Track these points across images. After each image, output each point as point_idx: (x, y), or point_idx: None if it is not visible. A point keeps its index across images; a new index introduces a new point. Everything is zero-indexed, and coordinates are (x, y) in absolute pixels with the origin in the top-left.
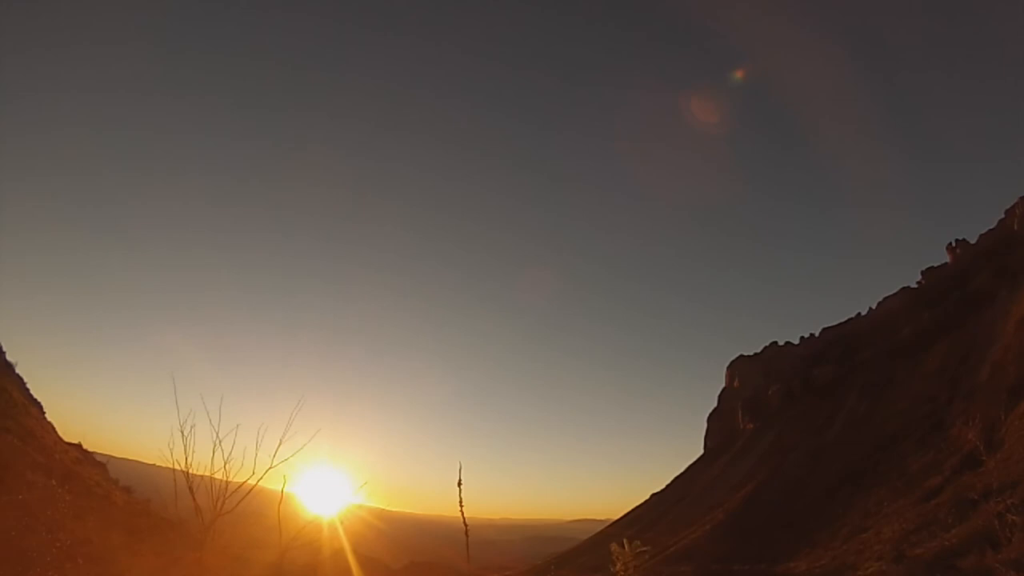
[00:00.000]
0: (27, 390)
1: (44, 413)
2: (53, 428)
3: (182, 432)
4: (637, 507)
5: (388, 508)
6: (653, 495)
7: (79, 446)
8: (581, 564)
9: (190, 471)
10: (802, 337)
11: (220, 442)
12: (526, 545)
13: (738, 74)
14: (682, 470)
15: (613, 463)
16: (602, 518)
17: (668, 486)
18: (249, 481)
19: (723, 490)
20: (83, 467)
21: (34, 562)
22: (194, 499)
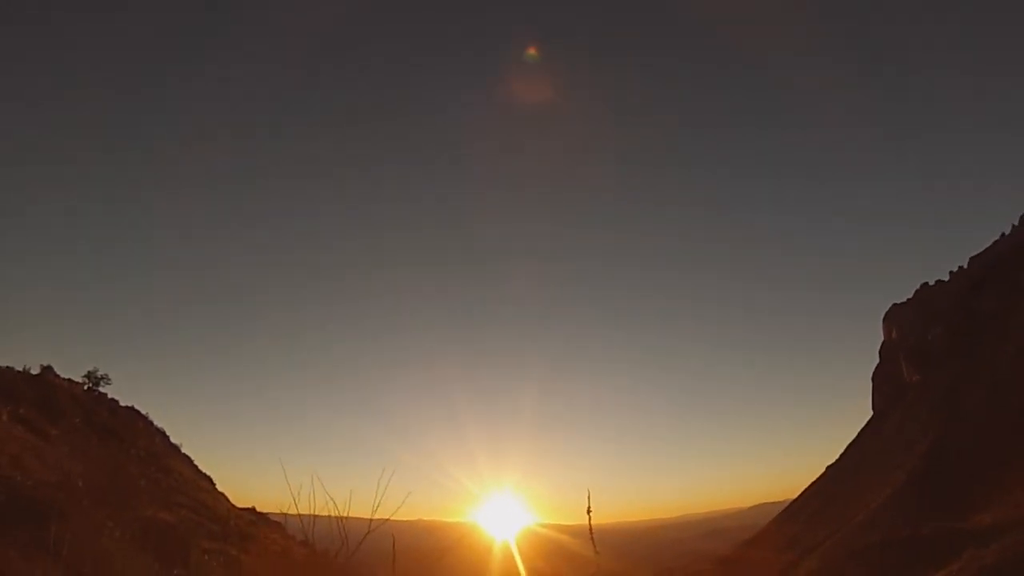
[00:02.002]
0: (195, 467)
1: (215, 485)
2: (226, 497)
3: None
4: (814, 483)
5: (566, 523)
6: (828, 467)
7: (252, 509)
8: (753, 558)
9: (373, 517)
10: (951, 272)
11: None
12: (708, 540)
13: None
14: (854, 436)
15: (782, 441)
16: (781, 499)
17: (842, 455)
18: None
19: (900, 450)
20: (258, 528)
21: None
22: (361, 545)
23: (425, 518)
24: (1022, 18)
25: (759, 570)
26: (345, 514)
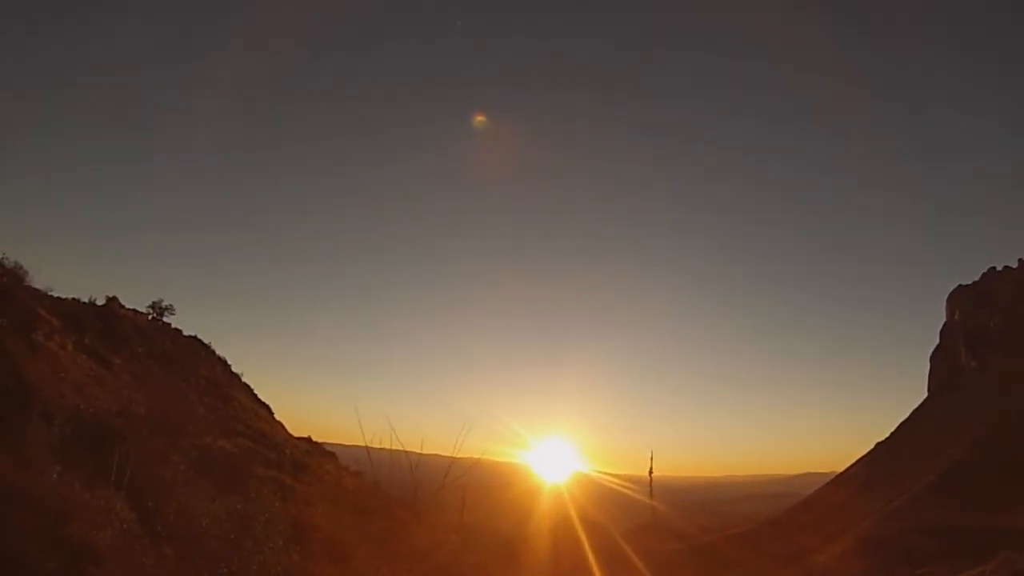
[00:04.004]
0: (255, 395)
1: (273, 414)
2: (283, 426)
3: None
4: (861, 458)
5: (616, 471)
6: (877, 444)
7: (308, 439)
8: (801, 523)
9: (413, 450)
10: (1020, 259)
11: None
12: (751, 502)
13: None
14: (906, 415)
15: (834, 413)
16: (826, 471)
17: (892, 434)
18: (472, 456)
19: (947, 436)
20: (313, 458)
21: (263, 545)
22: (413, 476)
23: (476, 456)
24: None
25: (797, 539)
26: (398, 447)
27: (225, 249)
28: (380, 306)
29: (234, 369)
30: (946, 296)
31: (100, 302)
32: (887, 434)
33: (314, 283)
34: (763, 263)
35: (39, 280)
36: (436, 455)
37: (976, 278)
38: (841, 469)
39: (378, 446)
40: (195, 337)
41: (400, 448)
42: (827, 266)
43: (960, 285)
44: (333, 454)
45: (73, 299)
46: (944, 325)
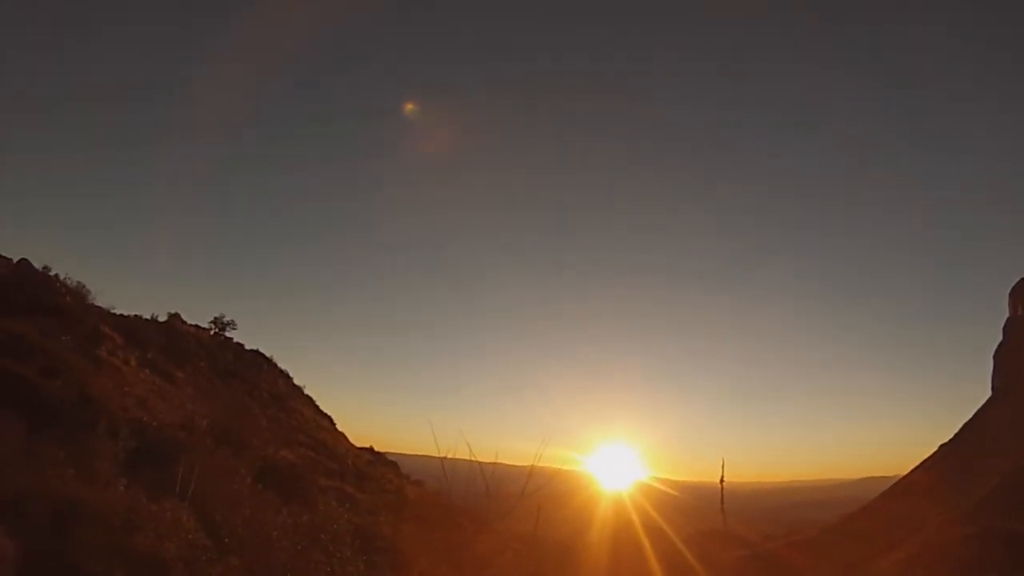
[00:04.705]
0: (316, 407)
1: (335, 425)
2: (345, 437)
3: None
4: (924, 461)
5: (678, 479)
6: (941, 446)
7: (371, 449)
8: (863, 529)
9: (483, 460)
10: None
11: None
12: (815, 509)
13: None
14: (971, 415)
15: (896, 414)
16: (890, 475)
17: (956, 435)
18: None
19: (1013, 437)
20: (375, 468)
21: (331, 556)
22: (486, 486)
23: (537, 464)
24: None
25: (860, 546)
26: (463, 457)
27: (288, 263)
28: (437, 320)
29: (296, 382)
30: (1008, 290)
31: (162, 319)
32: (951, 436)
33: (374, 299)
34: (818, 265)
35: (102, 298)
36: (509, 465)
37: None
38: (904, 472)
39: (452, 456)
40: (257, 351)
41: (471, 458)
42: (883, 267)
43: (1023, 278)
44: (395, 463)
45: (136, 316)
46: (1007, 320)
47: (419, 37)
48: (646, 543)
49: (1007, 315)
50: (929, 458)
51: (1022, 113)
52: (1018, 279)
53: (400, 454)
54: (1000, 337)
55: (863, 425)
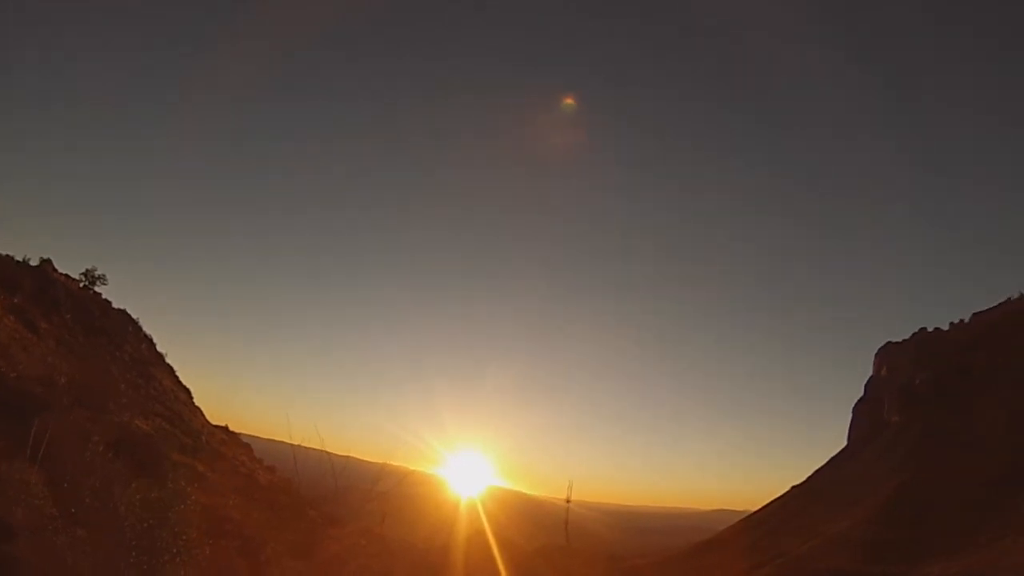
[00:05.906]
0: (176, 378)
1: (192, 398)
2: (201, 412)
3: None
4: (774, 500)
5: (526, 491)
6: (793, 487)
7: (225, 428)
8: (709, 560)
9: (335, 453)
10: (951, 323)
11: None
12: (664, 535)
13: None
14: (824, 462)
15: (753, 452)
16: (739, 509)
17: (808, 479)
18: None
19: (865, 486)
20: (229, 448)
21: (178, 536)
22: (335, 481)
23: (391, 463)
24: None
25: (708, 573)
26: (315, 446)
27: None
28: (321, 310)
29: (159, 348)
30: (875, 351)
31: (34, 262)
32: (803, 479)
33: (247, 274)
34: (697, 294)
35: None
36: (361, 460)
37: (907, 336)
38: (755, 509)
39: (304, 444)
40: (124, 311)
41: (322, 448)
42: (762, 308)
43: (889, 341)
44: (249, 446)
45: (6, 255)
46: (870, 379)
47: None
48: (496, 552)
49: (871, 373)
50: (780, 497)
51: (942, 191)
52: (885, 342)
53: (254, 436)
54: (862, 392)
55: (720, 459)
